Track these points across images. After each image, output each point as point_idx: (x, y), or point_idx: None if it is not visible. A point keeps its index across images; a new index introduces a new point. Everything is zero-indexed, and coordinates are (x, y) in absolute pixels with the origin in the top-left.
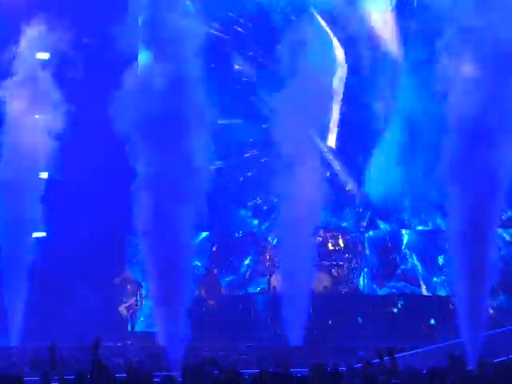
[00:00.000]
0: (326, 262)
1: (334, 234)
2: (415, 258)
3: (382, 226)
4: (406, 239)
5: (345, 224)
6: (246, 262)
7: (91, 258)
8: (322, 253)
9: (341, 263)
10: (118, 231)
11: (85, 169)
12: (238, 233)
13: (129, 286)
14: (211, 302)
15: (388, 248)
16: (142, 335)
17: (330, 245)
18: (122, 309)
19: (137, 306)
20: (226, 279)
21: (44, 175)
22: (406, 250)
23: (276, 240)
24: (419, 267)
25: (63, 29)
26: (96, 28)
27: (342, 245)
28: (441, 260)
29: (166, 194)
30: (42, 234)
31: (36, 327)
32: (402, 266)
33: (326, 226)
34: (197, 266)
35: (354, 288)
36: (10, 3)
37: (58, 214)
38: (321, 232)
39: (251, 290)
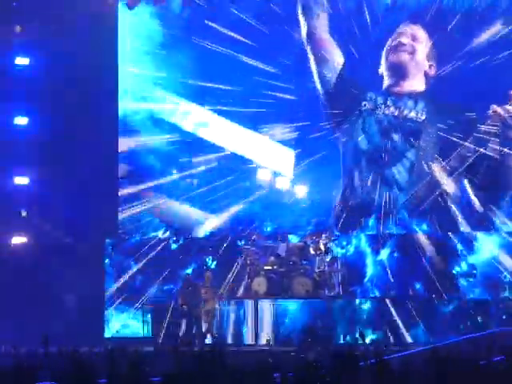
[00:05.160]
0: (307, 267)
1: (315, 238)
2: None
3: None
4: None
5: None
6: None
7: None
8: (304, 257)
9: (322, 268)
10: (98, 235)
11: (66, 173)
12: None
13: (203, 291)
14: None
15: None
16: (120, 341)
17: (311, 249)
18: (203, 315)
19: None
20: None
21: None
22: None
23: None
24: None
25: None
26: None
27: (322, 249)
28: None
29: None
30: (23, 240)
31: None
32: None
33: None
34: None
35: (336, 292)
36: None
37: (38, 218)
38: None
39: None
